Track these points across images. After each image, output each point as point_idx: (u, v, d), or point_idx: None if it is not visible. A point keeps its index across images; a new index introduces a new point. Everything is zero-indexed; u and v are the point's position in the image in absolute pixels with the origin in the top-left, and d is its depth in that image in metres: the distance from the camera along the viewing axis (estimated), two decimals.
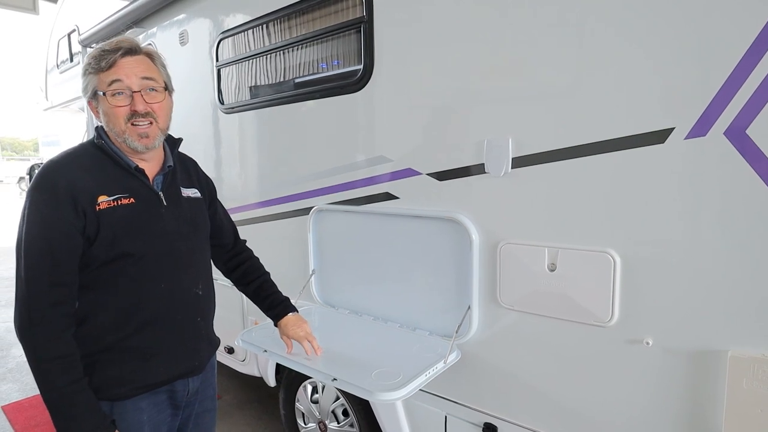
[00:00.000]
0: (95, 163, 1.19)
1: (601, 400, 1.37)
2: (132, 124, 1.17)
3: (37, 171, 1.16)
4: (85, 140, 1.26)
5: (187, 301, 1.28)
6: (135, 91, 1.17)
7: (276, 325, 1.57)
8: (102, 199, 1.14)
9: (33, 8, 5.78)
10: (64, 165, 1.16)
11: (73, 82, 4.46)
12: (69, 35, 4.35)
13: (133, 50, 1.19)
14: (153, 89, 1.20)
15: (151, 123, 1.19)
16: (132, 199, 1.19)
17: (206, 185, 1.47)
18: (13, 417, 3.07)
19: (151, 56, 1.24)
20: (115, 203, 1.16)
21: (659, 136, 1.19)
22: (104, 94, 1.16)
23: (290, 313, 1.55)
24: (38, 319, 1.08)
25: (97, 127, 1.26)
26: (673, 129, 1.17)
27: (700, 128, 1.13)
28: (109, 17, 3.25)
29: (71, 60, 4.46)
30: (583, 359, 1.39)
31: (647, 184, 1.22)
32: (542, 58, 1.36)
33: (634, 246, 1.26)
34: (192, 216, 1.33)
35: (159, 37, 2.99)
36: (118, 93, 1.16)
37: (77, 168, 1.16)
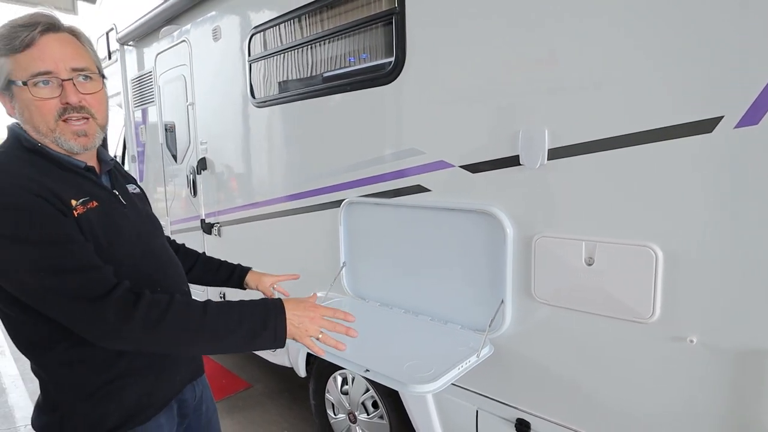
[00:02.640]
0: (35, 167, 0.95)
1: (640, 398, 1.34)
2: (64, 121, 0.97)
3: None
4: (3, 142, 1.01)
5: None
6: (65, 80, 0.95)
7: (244, 287, 1.47)
8: (74, 203, 0.94)
9: (72, 9, 5.99)
10: (7, 173, 0.92)
11: (112, 78, 4.60)
12: (107, 34, 4.47)
13: (54, 26, 0.96)
14: (87, 77, 0.99)
15: (87, 119, 0.99)
16: (95, 203, 0.99)
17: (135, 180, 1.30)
18: None
19: (77, 35, 1.01)
20: (85, 208, 0.96)
21: (707, 126, 1.14)
22: (24, 83, 0.92)
23: (250, 269, 1.47)
24: (117, 314, 0.89)
25: (12, 125, 1.01)
26: (721, 118, 1.12)
27: (752, 117, 1.07)
28: (144, 15, 3.33)
29: (109, 58, 4.59)
30: (622, 356, 1.35)
31: (693, 176, 1.17)
32: (580, 46, 1.32)
33: (678, 240, 1.21)
34: (147, 212, 1.20)
35: (193, 34, 3.05)
36: (42, 82, 0.93)
37: (24, 175, 0.92)
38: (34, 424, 1.08)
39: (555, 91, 1.39)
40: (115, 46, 4.18)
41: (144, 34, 3.63)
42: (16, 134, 0.99)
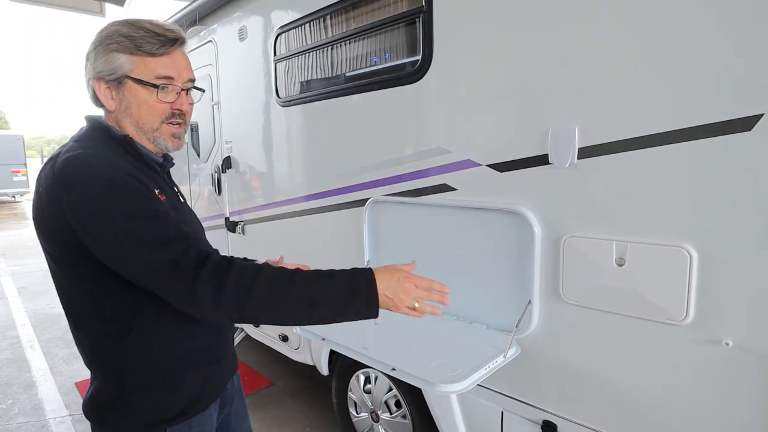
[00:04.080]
0: (122, 158, 1.02)
1: (671, 401, 1.31)
2: (167, 123, 1.07)
3: (65, 168, 0.93)
4: (85, 131, 1.07)
5: None
6: (182, 90, 1.07)
7: None
8: (157, 192, 1.00)
9: (100, 11, 6.13)
10: (105, 158, 0.97)
11: None
12: None
13: (184, 41, 1.07)
14: (192, 89, 1.11)
15: (181, 124, 1.10)
16: (164, 196, 1.03)
17: None
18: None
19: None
20: (163, 198, 1.02)
21: (745, 124, 1.11)
22: (153, 85, 1.01)
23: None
24: (213, 282, 0.89)
25: (95, 117, 1.08)
26: (761, 116, 1.09)
27: None
28: (172, 16, 3.39)
29: None
30: (653, 359, 1.33)
31: (730, 175, 1.14)
32: (611, 43, 1.30)
33: (713, 241, 1.19)
34: (191, 211, 1.26)
35: (219, 33, 3.09)
36: (165, 87, 1.03)
37: (118, 160, 0.99)
38: (92, 413, 1.09)
39: (585, 89, 1.37)
40: None
41: None
42: (105, 125, 1.06)
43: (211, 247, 1.00)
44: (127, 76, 1.01)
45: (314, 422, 2.89)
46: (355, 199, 2.18)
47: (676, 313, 1.25)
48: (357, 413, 2.38)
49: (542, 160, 1.48)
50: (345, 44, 2.19)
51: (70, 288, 1.04)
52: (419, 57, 1.82)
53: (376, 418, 2.24)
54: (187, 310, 0.93)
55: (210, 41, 3.17)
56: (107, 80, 1.02)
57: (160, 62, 1.02)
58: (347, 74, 2.22)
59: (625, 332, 1.37)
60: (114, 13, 5.76)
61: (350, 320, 0.96)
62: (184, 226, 0.98)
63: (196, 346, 1.10)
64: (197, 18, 3.21)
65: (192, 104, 1.11)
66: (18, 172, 15.52)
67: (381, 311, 0.96)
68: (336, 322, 0.95)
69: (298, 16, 2.38)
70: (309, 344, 2.57)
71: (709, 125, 1.16)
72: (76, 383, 3.44)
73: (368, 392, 2.26)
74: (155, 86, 1.02)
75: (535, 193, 1.52)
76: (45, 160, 1.05)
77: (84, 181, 0.92)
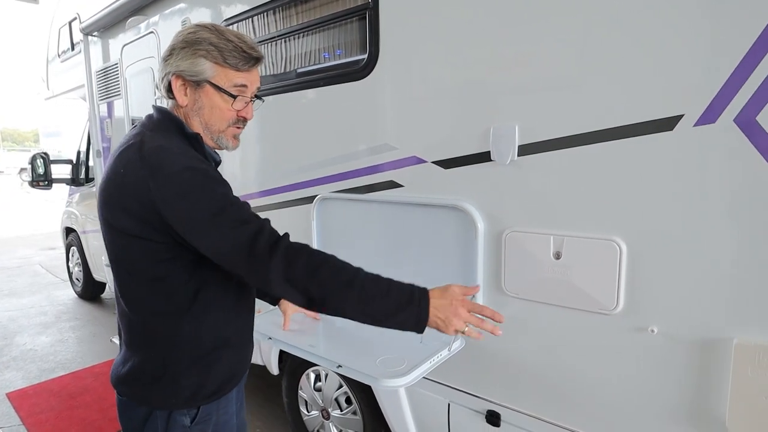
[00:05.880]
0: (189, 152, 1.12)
1: (605, 388, 1.38)
2: (231, 126, 1.18)
3: (151, 153, 1.01)
4: (157, 121, 1.14)
5: None
6: (250, 100, 1.18)
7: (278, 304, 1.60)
8: None
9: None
10: (185, 149, 1.08)
11: (75, 70, 4.44)
12: (70, 24, 4.32)
13: (263, 60, 1.20)
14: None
15: (241, 127, 1.21)
16: None
17: None
18: (18, 404, 3.09)
19: None
20: None
21: (667, 124, 1.18)
22: (231, 95, 1.12)
23: None
24: (287, 259, 0.99)
25: (168, 110, 1.15)
26: (681, 116, 1.16)
27: (710, 115, 1.12)
28: (111, 4, 3.23)
29: (72, 48, 4.43)
30: (588, 347, 1.39)
31: (655, 172, 1.22)
32: (550, 46, 1.35)
33: (640, 234, 1.26)
34: None
35: (161, 25, 2.97)
36: (240, 96, 1.14)
37: (194, 154, 1.10)
38: (129, 389, 1.14)
39: (525, 89, 1.42)
40: (78, 36, 4.04)
41: (109, 24, 3.51)
42: (178, 120, 1.14)
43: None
44: (208, 81, 1.10)
45: (265, 423, 2.85)
46: (305, 196, 2.16)
47: (607, 303, 1.32)
48: (308, 411, 2.36)
49: (485, 157, 1.52)
50: (293, 39, 2.16)
51: (134, 264, 1.08)
52: (366, 54, 1.82)
53: (326, 416, 2.23)
54: (260, 284, 1.04)
55: (152, 32, 3.04)
56: (186, 78, 1.11)
57: (240, 75, 1.12)
58: (296, 70, 2.19)
59: (562, 322, 1.43)
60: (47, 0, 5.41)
61: (397, 327, 1.04)
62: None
63: (237, 326, 1.19)
64: (137, 8, 3.07)
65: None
66: None
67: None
68: (383, 325, 1.03)
69: (245, 8, 2.32)
70: (258, 344, 2.53)
71: (635, 125, 1.22)
72: (7, 394, 3.23)
73: (318, 390, 2.25)
74: (232, 96, 1.12)
75: (478, 189, 1.56)
76: (126, 144, 1.08)
77: (171, 164, 1.00)
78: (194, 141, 1.13)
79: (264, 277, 0.99)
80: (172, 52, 1.11)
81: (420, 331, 1.04)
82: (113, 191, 1.05)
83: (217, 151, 1.23)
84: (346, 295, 1.01)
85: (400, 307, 1.02)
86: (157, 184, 0.99)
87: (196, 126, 1.15)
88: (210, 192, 1.02)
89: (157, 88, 1.17)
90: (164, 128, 1.12)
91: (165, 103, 1.20)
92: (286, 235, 1.05)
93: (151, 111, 1.18)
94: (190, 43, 1.09)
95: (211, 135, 1.17)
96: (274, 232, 1.04)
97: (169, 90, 1.14)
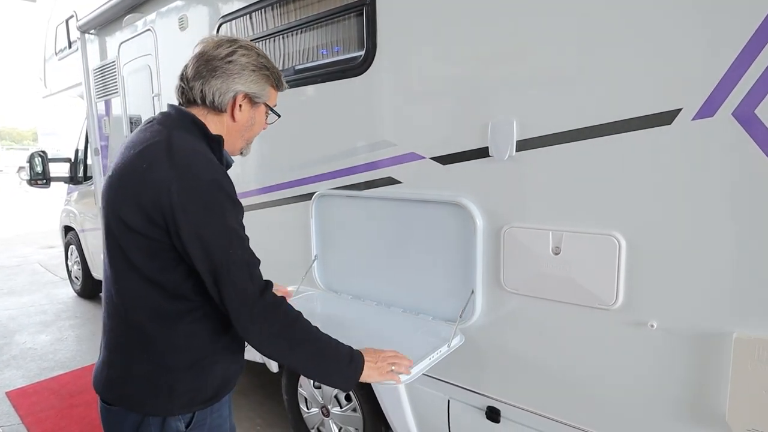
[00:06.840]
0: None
1: (605, 383, 1.38)
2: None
3: (181, 155, 1.04)
4: (179, 122, 1.14)
5: None
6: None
7: None
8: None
9: None
10: (211, 160, 1.09)
11: (72, 68, 4.43)
12: (67, 21, 4.30)
13: None
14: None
15: None
16: None
17: None
18: (17, 402, 3.09)
19: None
20: None
21: (666, 118, 1.18)
22: (278, 114, 1.28)
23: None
24: (269, 297, 1.08)
25: (190, 113, 1.15)
26: (680, 110, 1.16)
27: (708, 109, 1.12)
28: (107, 2, 3.21)
29: (69, 47, 4.42)
30: (587, 342, 1.39)
31: (654, 166, 1.21)
32: (546, 40, 1.35)
33: (639, 228, 1.25)
34: None
35: (158, 23, 2.96)
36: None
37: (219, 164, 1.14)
38: (121, 398, 1.12)
39: (523, 84, 1.41)
40: (75, 34, 4.03)
41: (106, 22, 3.50)
42: (201, 124, 1.15)
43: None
44: (263, 102, 1.23)
45: (266, 420, 2.85)
46: (303, 193, 2.15)
47: (606, 298, 1.32)
48: (308, 409, 2.36)
49: (483, 152, 1.51)
50: (290, 36, 2.15)
51: (138, 267, 1.06)
52: (363, 50, 1.81)
53: (326, 413, 2.23)
54: (235, 324, 1.05)
55: (149, 30, 3.03)
56: (251, 98, 1.19)
57: (278, 96, 1.29)
58: (294, 67, 2.18)
59: (562, 318, 1.43)
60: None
61: (334, 383, 1.24)
62: None
63: (234, 333, 1.16)
64: (134, 5, 3.06)
65: None
66: None
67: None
68: (321, 381, 1.28)
69: (242, 5, 2.31)
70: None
71: (633, 119, 1.22)
72: (6, 392, 3.23)
73: (318, 387, 2.25)
74: (278, 114, 1.28)
75: (476, 185, 1.55)
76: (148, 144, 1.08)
77: (198, 171, 1.03)
78: (216, 144, 1.16)
79: (244, 324, 1.05)
80: (241, 72, 1.15)
81: (350, 387, 1.23)
82: (131, 185, 1.04)
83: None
84: (305, 353, 1.13)
85: (343, 365, 1.17)
86: (180, 187, 1.00)
87: (235, 139, 1.24)
88: (225, 217, 1.05)
89: (203, 101, 1.15)
90: (187, 129, 1.12)
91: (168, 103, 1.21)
92: (270, 282, 1.11)
93: (165, 109, 1.18)
94: (259, 67, 1.18)
95: (241, 145, 1.28)
96: (261, 275, 1.10)
97: (223, 104, 1.16)
